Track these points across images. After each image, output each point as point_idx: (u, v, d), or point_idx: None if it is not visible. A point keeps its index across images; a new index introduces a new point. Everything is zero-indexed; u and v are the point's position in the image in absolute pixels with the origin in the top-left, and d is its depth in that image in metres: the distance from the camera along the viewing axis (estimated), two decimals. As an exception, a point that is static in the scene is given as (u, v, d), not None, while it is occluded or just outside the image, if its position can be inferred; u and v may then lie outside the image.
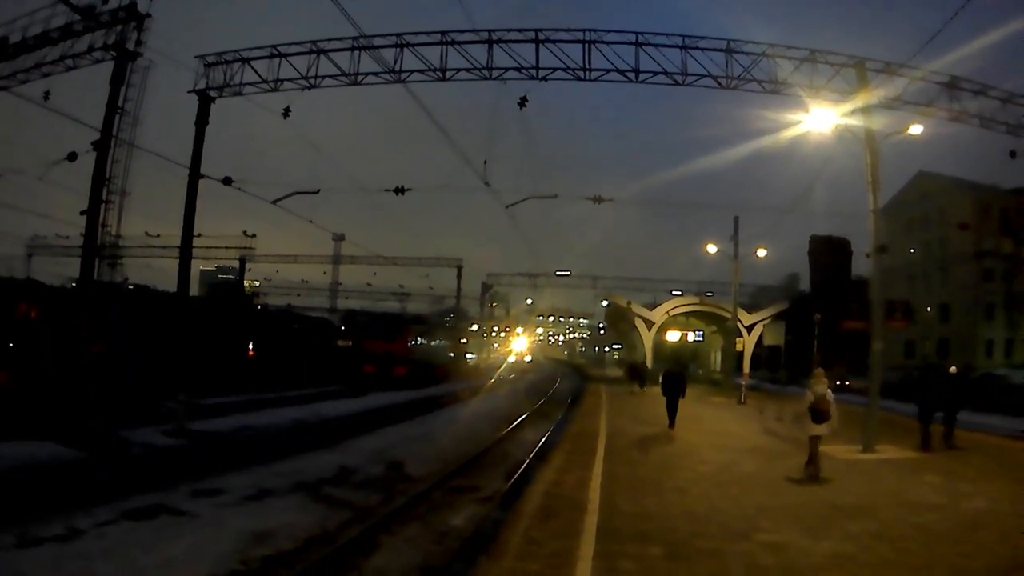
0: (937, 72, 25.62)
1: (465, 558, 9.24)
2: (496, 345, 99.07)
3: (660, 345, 57.00)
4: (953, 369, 22.82)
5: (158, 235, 55.69)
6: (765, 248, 41.02)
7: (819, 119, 20.11)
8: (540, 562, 7.88)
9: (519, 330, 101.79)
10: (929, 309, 63.94)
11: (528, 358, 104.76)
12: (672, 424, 20.99)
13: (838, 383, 51.77)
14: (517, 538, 8.89)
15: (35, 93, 23.50)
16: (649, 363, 50.33)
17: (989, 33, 23.90)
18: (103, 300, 22.57)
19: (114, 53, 22.83)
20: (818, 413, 13.07)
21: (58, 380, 19.68)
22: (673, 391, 21.46)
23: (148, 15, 22.64)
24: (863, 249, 58.46)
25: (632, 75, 25.63)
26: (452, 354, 67.40)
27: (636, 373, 41.80)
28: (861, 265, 70.54)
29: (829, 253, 78.59)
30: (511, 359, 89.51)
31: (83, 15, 22.75)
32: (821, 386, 13.28)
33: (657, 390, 23.68)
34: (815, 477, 13.01)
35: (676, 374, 22.31)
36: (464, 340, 71.84)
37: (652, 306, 58.21)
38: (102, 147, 22.08)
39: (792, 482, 12.91)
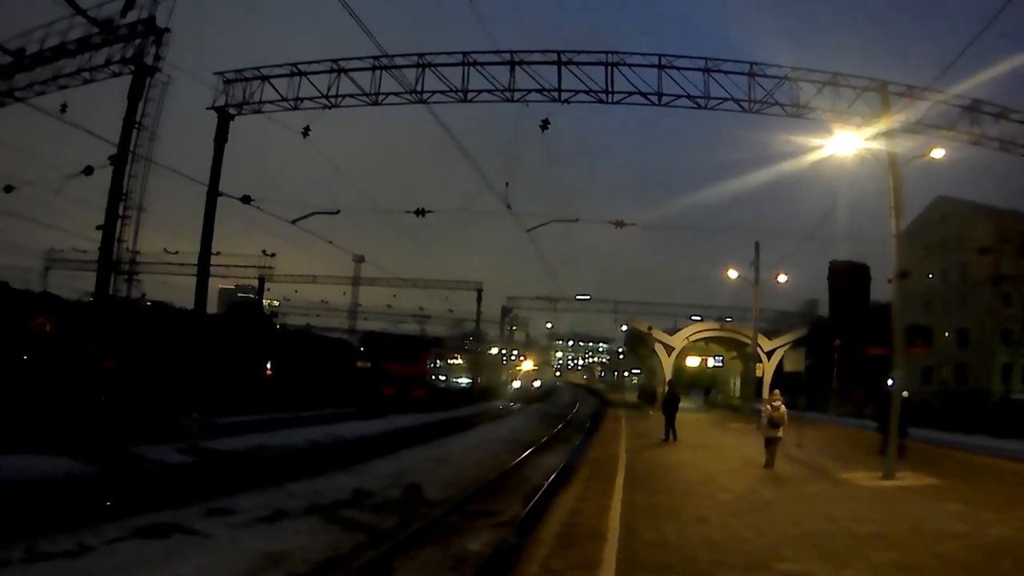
0: (959, 96, 25.49)
1: (482, 586, 9.08)
2: (517, 368, 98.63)
3: (680, 371, 56.67)
4: (905, 394, 23.87)
5: (176, 252, 56.07)
6: (786, 274, 40.55)
7: (842, 143, 19.89)
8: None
9: (523, 357, 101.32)
10: (947, 334, 63.25)
11: (537, 383, 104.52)
12: (669, 438, 24.79)
13: (871, 409, 51.50)
14: (535, 567, 8.71)
15: (52, 105, 23.38)
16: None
17: (1010, 57, 23.77)
18: (115, 315, 22.55)
19: (132, 67, 22.83)
20: (773, 421, 18.06)
21: (69, 393, 19.67)
22: (670, 411, 25.71)
23: (167, 30, 22.64)
24: (882, 274, 58.38)
25: (655, 98, 25.59)
26: (467, 379, 67.07)
27: (647, 396, 47.24)
28: (880, 290, 69.97)
29: (848, 278, 77.71)
30: (516, 384, 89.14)
31: (101, 28, 22.80)
32: (777, 402, 18.40)
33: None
34: (769, 465, 17.91)
35: (673, 396, 27.08)
36: (457, 361, 71.54)
37: (672, 331, 57.89)
38: (119, 162, 22.09)
39: (813, 510, 12.64)
